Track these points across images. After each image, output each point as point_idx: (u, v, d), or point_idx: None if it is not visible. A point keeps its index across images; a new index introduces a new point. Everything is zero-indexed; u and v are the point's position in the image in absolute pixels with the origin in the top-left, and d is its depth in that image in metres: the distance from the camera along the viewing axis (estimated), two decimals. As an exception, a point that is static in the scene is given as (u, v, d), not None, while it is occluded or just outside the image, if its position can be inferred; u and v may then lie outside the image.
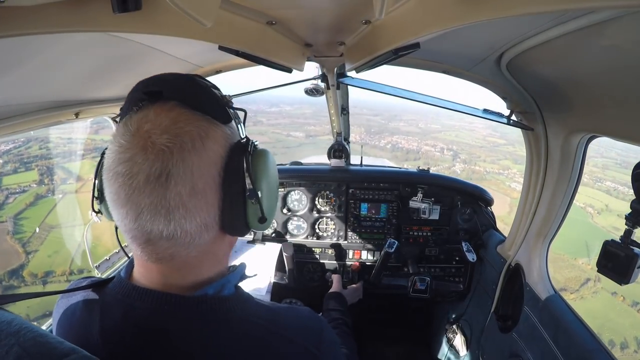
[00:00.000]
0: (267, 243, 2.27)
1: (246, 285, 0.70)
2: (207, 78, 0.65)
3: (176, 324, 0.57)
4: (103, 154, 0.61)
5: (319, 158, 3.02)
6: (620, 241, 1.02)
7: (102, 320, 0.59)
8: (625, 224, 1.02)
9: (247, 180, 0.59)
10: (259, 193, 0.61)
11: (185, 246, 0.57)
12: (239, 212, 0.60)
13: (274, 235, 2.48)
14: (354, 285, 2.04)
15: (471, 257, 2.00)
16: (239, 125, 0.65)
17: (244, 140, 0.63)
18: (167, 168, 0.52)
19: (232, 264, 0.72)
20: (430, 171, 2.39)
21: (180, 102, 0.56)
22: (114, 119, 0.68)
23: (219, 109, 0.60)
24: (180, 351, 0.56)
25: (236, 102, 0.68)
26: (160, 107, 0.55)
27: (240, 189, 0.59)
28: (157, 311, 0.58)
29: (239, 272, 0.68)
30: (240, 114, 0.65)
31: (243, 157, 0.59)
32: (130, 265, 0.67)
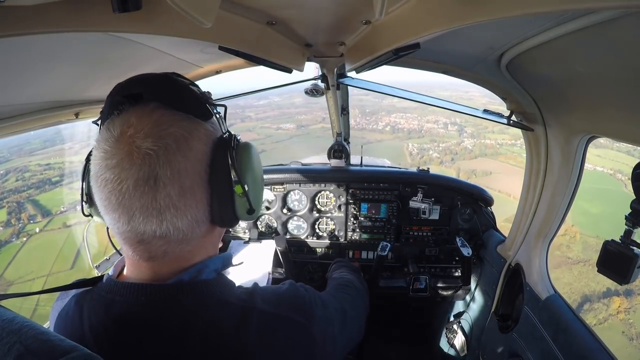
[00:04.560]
0: (262, 241, 2.28)
1: (245, 283, 0.70)
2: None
3: (153, 312, 0.58)
4: (88, 159, 0.62)
5: (318, 158, 3.02)
6: (620, 241, 1.02)
7: (89, 317, 0.60)
8: (625, 224, 1.02)
9: (233, 175, 0.61)
10: (246, 186, 0.62)
11: (178, 243, 0.59)
12: (227, 206, 0.62)
13: (273, 235, 2.48)
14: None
15: (466, 251, 2.00)
16: (220, 121, 0.66)
17: (226, 135, 0.64)
18: (154, 171, 0.53)
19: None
20: (430, 170, 2.39)
21: (161, 102, 0.57)
22: (94, 122, 0.68)
23: (200, 106, 0.61)
24: (161, 338, 0.57)
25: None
26: (142, 110, 0.56)
27: (227, 183, 0.61)
28: (134, 303, 0.59)
29: (220, 258, 0.68)
30: (221, 110, 0.67)
31: (227, 152, 0.61)
32: (119, 264, 0.68)
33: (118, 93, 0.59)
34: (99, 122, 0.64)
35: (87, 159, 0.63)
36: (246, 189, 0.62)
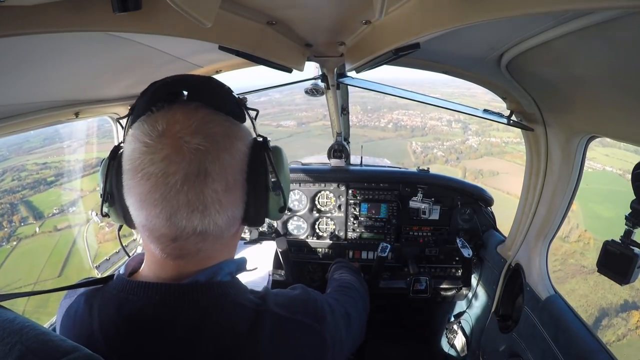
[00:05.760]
0: (263, 242, 2.27)
1: (246, 284, 0.70)
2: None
3: (167, 311, 0.58)
4: (112, 156, 0.62)
5: (319, 158, 3.03)
6: (620, 241, 1.02)
7: (100, 316, 0.60)
8: (625, 224, 1.02)
9: (270, 174, 0.64)
10: (282, 185, 0.66)
11: (214, 240, 0.60)
12: (263, 204, 0.65)
13: (274, 235, 2.48)
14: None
15: (467, 252, 2.01)
16: (253, 124, 0.69)
17: (261, 137, 0.67)
18: (204, 166, 0.55)
19: None
20: (431, 171, 2.40)
21: (204, 103, 0.58)
22: (119, 119, 0.69)
23: (237, 108, 0.63)
24: (174, 337, 0.57)
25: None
26: (186, 108, 0.57)
27: (264, 182, 0.64)
28: (148, 302, 0.58)
29: (235, 262, 0.69)
30: (253, 113, 0.69)
31: (266, 153, 0.64)
32: (131, 263, 0.67)
33: (159, 90, 0.59)
34: (123, 119, 0.64)
35: (112, 156, 0.62)
36: (282, 187, 0.66)
